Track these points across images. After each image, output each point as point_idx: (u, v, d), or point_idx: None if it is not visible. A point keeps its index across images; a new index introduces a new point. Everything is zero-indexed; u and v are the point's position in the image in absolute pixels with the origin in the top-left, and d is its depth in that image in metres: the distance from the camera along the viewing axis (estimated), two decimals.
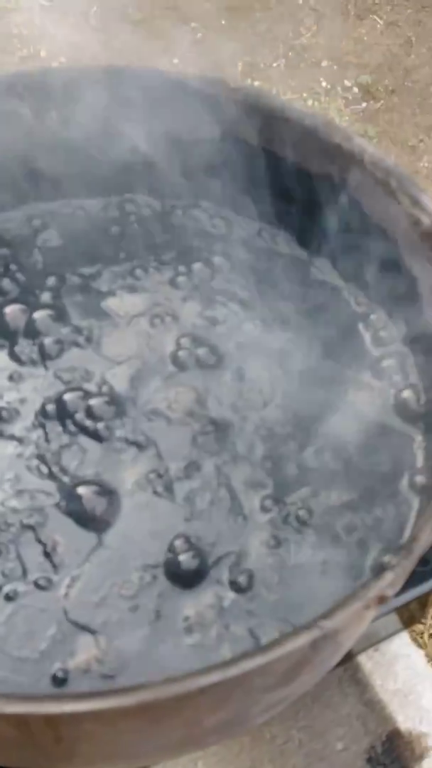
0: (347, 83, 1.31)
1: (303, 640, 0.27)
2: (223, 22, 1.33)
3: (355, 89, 1.30)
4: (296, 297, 0.49)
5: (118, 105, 0.48)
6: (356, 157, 0.42)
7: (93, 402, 0.44)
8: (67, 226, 0.52)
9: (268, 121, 0.46)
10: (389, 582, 0.28)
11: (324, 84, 1.30)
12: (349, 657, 0.52)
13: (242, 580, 0.37)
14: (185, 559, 0.38)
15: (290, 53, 1.34)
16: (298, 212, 0.49)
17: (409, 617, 0.52)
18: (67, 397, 0.44)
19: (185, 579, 0.37)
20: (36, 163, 0.51)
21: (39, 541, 0.39)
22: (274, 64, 1.32)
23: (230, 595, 0.37)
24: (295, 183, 0.48)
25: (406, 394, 0.43)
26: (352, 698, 0.51)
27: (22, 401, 0.44)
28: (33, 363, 0.46)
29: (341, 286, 0.48)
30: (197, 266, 0.50)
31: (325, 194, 0.47)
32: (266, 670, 0.28)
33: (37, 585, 0.37)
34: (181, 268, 0.50)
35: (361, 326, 0.47)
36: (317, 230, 0.48)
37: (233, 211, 0.52)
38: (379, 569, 0.28)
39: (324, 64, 1.33)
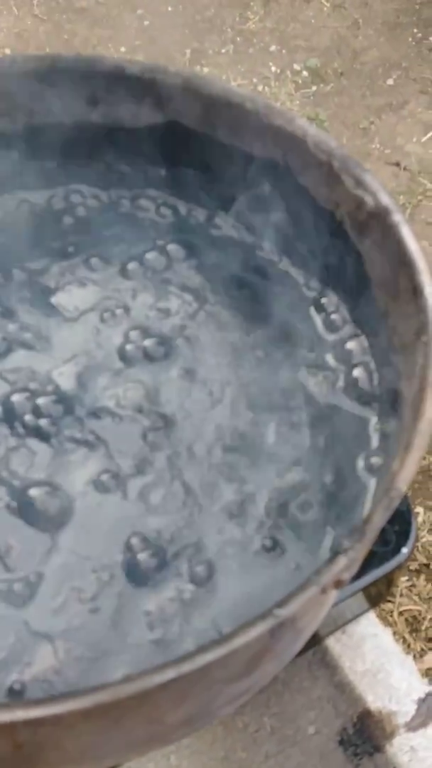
0: (296, 67, 1.30)
1: (259, 629, 0.27)
2: (169, 8, 1.32)
3: (305, 73, 1.30)
4: (248, 284, 0.48)
5: (56, 94, 0.47)
6: (298, 140, 0.41)
7: (40, 402, 0.43)
8: (11, 220, 0.51)
9: (209, 105, 0.46)
10: (344, 566, 0.28)
11: (273, 69, 1.30)
12: (317, 641, 0.52)
13: (201, 571, 0.37)
14: (143, 557, 0.37)
15: (238, 38, 1.33)
16: (245, 198, 0.49)
17: (375, 597, 0.53)
18: (14, 398, 0.43)
19: (144, 576, 0.37)
20: None
21: None
22: (223, 50, 1.31)
23: (190, 588, 0.37)
24: (240, 168, 0.47)
25: (360, 376, 0.43)
26: (322, 681, 0.51)
27: None
28: None
29: (292, 272, 0.48)
30: (148, 257, 0.50)
31: (271, 178, 0.46)
32: (225, 663, 0.28)
33: None
34: (132, 260, 0.49)
35: (312, 311, 0.46)
36: (265, 215, 0.48)
37: (181, 199, 0.51)
38: (334, 553, 0.28)
39: (272, 48, 1.32)
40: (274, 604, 0.27)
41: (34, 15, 1.27)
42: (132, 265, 0.50)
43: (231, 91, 0.45)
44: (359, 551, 0.28)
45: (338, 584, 0.28)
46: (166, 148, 0.49)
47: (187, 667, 0.26)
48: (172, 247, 0.50)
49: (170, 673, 0.25)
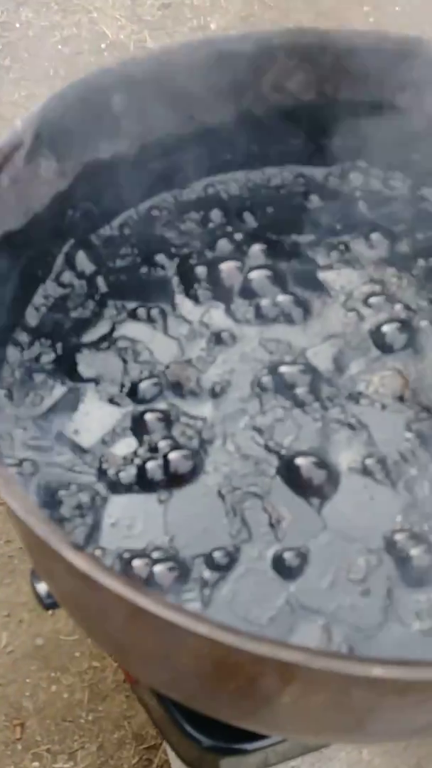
0: None
1: None
2: (396, 8, 1.30)
3: None
4: None
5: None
6: None
7: (302, 378, 0.43)
8: (286, 193, 0.51)
9: None
10: None
11: None
12: None
13: None
14: (416, 552, 0.36)
15: None
16: None
17: None
18: (283, 370, 0.43)
19: (416, 569, 0.36)
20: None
21: (264, 510, 0.38)
22: None
23: None
24: None
25: None
26: None
27: (231, 372, 0.43)
28: (248, 322, 0.45)
29: None
30: (419, 245, 0.48)
31: None
32: None
33: (263, 555, 0.37)
34: (402, 245, 0.48)
35: None
36: None
37: None
38: None
39: None
40: None
41: (262, 1, 1.28)
42: (402, 251, 0.48)
43: None
44: None
45: None
46: None
47: None
48: None
49: None
